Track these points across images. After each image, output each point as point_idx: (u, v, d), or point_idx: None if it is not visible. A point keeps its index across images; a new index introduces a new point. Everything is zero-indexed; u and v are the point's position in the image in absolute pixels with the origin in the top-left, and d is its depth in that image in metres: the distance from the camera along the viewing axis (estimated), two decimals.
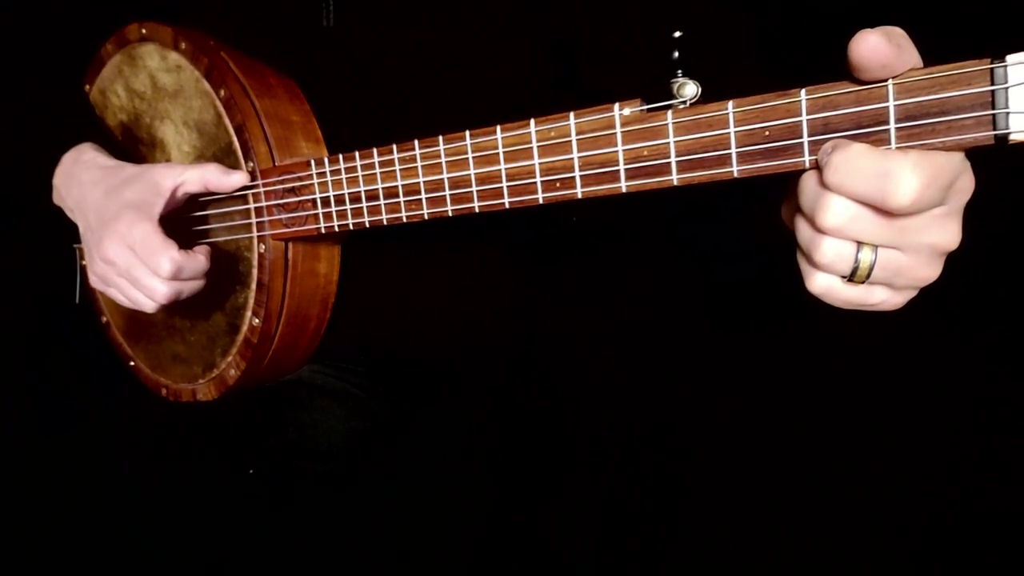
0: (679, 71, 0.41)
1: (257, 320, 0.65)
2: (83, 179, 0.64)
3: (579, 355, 0.93)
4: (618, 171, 0.44)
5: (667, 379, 0.89)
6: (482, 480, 0.86)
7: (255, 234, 0.64)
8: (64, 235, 0.75)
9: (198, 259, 0.61)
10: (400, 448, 0.82)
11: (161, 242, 0.58)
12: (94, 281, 0.65)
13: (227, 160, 0.64)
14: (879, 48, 0.34)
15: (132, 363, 0.77)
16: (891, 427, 0.84)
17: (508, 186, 0.49)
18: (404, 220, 0.55)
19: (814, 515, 0.84)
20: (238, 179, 0.62)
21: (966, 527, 0.80)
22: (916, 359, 0.83)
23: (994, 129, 0.33)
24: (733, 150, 0.40)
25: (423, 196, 0.53)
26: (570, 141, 0.45)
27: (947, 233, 0.36)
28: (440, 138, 0.51)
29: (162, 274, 0.58)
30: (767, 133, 0.39)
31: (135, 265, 0.59)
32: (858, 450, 0.85)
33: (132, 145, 0.72)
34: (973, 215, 0.37)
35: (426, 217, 0.53)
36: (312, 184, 0.59)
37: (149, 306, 0.62)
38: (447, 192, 0.51)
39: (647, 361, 0.91)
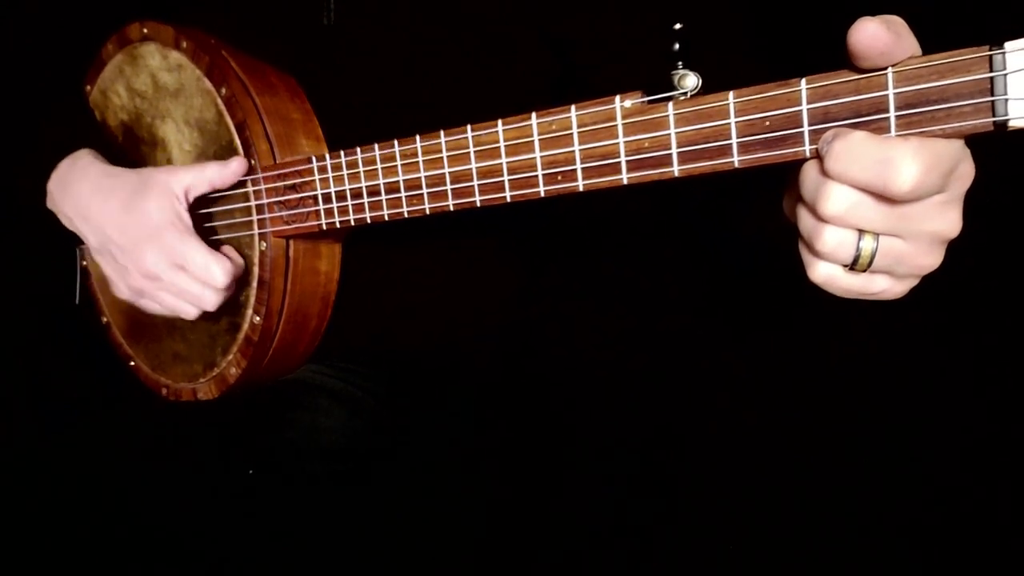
0: (679, 63, 0.41)
1: (258, 318, 0.65)
2: (83, 188, 0.64)
3: (581, 353, 0.93)
4: (619, 163, 0.44)
5: (669, 375, 0.89)
6: (483, 479, 0.86)
7: (256, 231, 0.64)
8: (63, 236, 0.75)
9: (240, 263, 0.64)
10: (400, 447, 0.82)
11: (213, 256, 0.61)
12: (125, 293, 0.66)
13: (228, 158, 0.64)
14: (878, 36, 0.34)
15: (132, 363, 0.77)
16: (894, 425, 0.84)
17: (510, 179, 0.49)
18: (406, 215, 0.55)
19: (815, 515, 0.84)
20: (236, 167, 0.62)
21: (966, 527, 0.80)
22: (916, 350, 0.83)
23: (993, 116, 0.34)
24: (734, 140, 0.40)
25: (424, 191, 0.53)
26: (571, 134, 0.46)
27: (948, 221, 0.36)
28: (442, 132, 0.51)
29: (218, 285, 0.61)
30: (768, 123, 0.39)
31: (183, 279, 0.61)
32: (860, 449, 0.84)
33: (133, 145, 0.72)
34: (974, 203, 0.37)
35: (427, 212, 0.53)
36: (313, 181, 0.59)
37: (192, 314, 0.64)
38: (448, 187, 0.52)
39: (649, 357, 0.91)
